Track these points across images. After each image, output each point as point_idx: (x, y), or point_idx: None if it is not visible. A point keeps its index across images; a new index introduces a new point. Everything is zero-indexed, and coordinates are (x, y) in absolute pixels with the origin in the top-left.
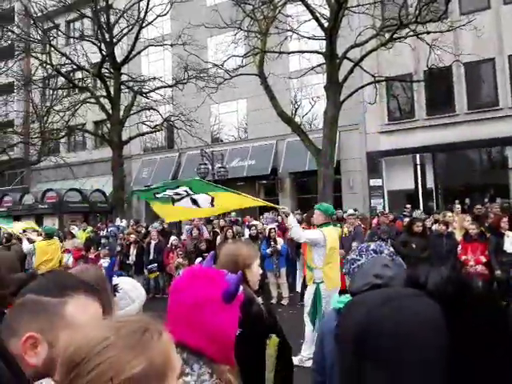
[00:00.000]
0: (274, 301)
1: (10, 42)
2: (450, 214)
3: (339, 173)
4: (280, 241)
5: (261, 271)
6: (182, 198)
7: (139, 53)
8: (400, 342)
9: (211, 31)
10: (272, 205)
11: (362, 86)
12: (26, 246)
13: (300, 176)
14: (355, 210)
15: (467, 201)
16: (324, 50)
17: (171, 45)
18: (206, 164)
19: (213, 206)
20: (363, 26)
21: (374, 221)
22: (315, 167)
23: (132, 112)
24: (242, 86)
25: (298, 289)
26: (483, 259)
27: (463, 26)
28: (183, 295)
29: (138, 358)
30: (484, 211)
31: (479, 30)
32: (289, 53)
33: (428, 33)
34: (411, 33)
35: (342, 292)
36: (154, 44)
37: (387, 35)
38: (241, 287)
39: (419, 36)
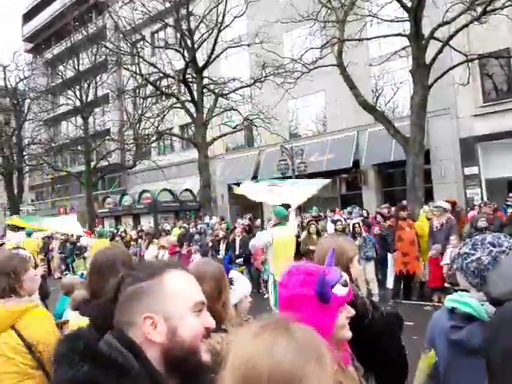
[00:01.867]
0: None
1: (104, 56)
2: None
3: (429, 162)
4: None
5: (361, 267)
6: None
7: (218, 55)
8: None
9: (287, 26)
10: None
11: (453, 67)
12: (85, 241)
13: (384, 167)
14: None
15: None
16: (408, 32)
17: (248, 44)
18: (285, 160)
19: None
20: (450, 1)
21: (471, 213)
22: (401, 157)
23: (214, 114)
24: (319, 78)
25: (389, 285)
26: None
27: None
28: (282, 291)
29: (311, 364)
30: None
31: None
32: (369, 39)
33: None
34: (509, 2)
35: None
36: (232, 45)
37: (479, 9)
38: (345, 286)
39: None
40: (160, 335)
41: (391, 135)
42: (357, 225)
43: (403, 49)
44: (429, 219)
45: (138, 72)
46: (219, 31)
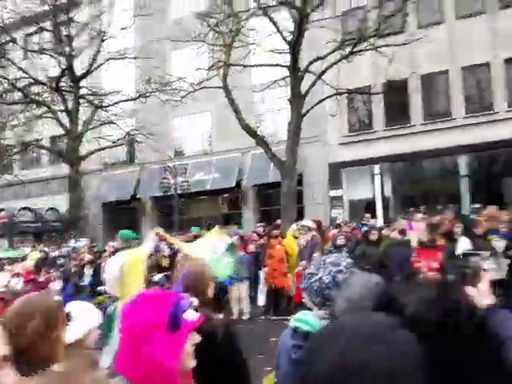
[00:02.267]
0: (235, 317)
1: None
2: (403, 221)
3: (301, 184)
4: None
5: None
6: None
7: (100, 66)
8: None
9: (175, 44)
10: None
11: (324, 99)
12: None
13: (263, 188)
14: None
15: (422, 208)
16: (288, 64)
17: (134, 58)
18: (168, 178)
19: None
20: (325, 39)
21: (332, 232)
22: (278, 179)
23: (91, 126)
24: (206, 99)
25: (260, 302)
26: (435, 265)
27: (419, 39)
28: (124, 321)
29: None
30: (438, 219)
31: (434, 43)
32: (253, 66)
33: (387, 46)
34: (370, 46)
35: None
36: (115, 57)
37: (348, 49)
38: (192, 311)
39: (378, 49)
40: None
41: (269, 158)
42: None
43: (283, 79)
44: (296, 237)
45: (4, 76)
46: (102, 41)
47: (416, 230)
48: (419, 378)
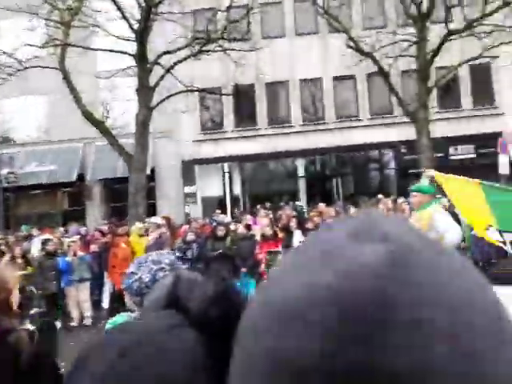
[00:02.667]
0: (75, 323)
1: None
2: (249, 216)
3: (154, 180)
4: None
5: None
6: None
7: None
8: None
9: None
10: None
11: (173, 94)
12: None
13: (111, 183)
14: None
15: (268, 205)
16: (135, 53)
17: None
18: None
19: None
20: (176, 34)
21: (183, 228)
22: (127, 173)
23: None
24: (41, 80)
25: (106, 305)
26: None
27: (262, 48)
28: None
29: None
30: (278, 214)
31: (275, 54)
32: (95, 49)
33: (232, 50)
34: (219, 48)
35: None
36: None
37: (197, 47)
38: None
39: (226, 52)
40: None
41: (115, 150)
42: (72, 243)
43: (130, 68)
44: (142, 235)
45: None
46: None
47: (260, 224)
48: (197, 381)
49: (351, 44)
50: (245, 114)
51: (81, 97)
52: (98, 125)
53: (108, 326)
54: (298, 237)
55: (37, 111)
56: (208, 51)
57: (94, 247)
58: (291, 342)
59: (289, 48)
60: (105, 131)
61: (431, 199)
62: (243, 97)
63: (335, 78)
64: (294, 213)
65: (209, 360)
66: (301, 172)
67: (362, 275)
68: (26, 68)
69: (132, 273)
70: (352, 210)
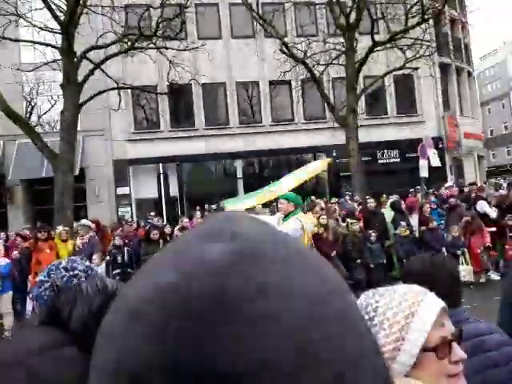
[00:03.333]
0: None
1: None
2: (186, 219)
3: (84, 181)
4: (3, 261)
5: None
6: None
7: None
8: None
9: None
10: None
11: (104, 91)
12: None
13: (36, 184)
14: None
15: (206, 207)
16: (60, 45)
17: None
18: None
19: None
20: (106, 28)
21: (117, 232)
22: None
23: None
24: None
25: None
26: None
27: (197, 48)
28: None
29: None
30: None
31: (212, 56)
32: (15, 40)
33: (166, 48)
34: (152, 45)
35: None
36: None
37: (130, 43)
38: None
39: (159, 50)
40: None
41: (38, 149)
42: None
43: (54, 61)
44: (64, 240)
45: None
46: None
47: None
48: None
49: (285, 50)
50: (182, 114)
51: (1, 91)
52: (18, 121)
53: None
54: None
55: None
56: (141, 48)
57: (15, 254)
58: (130, 343)
59: (226, 50)
60: (25, 127)
61: (296, 208)
62: (180, 96)
63: (271, 83)
64: None
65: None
66: (239, 173)
67: (202, 273)
68: None
69: (42, 281)
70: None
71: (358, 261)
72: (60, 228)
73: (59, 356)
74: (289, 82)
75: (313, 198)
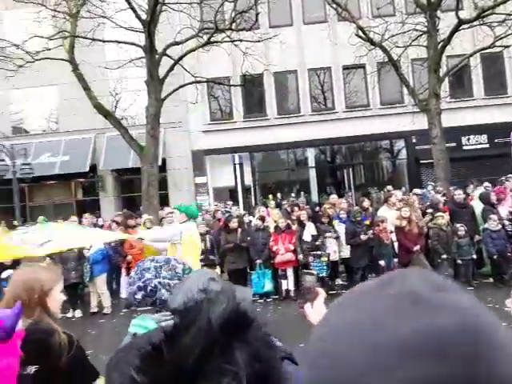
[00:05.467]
0: (94, 310)
1: None
2: (263, 208)
3: (165, 171)
4: (97, 245)
5: (62, 297)
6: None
7: None
8: None
9: (6, 3)
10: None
11: (183, 85)
12: None
13: (124, 173)
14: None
15: (279, 196)
16: (143, 44)
17: None
18: (3, 160)
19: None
20: (183, 24)
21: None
22: (139, 164)
23: None
24: (52, 71)
25: (123, 295)
26: (291, 247)
27: (270, 38)
28: None
29: None
30: (291, 206)
31: (284, 44)
32: (103, 41)
33: (241, 40)
34: (227, 38)
35: None
36: None
37: (205, 37)
38: (19, 323)
39: (234, 42)
40: None
41: (126, 142)
42: None
43: (138, 59)
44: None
45: None
46: None
47: (273, 216)
48: None
49: (361, 34)
50: (254, 104)
51: (90, 87)
52: (108, 116)
53: (132, 328)
54: (310, 229)
55: (47, 102)
56: (216, 42)
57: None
58: (431, 371)
59: (297, 37)
60: (115, 122)
61: (189, 219)
62: (252, 87)
63: (345, 68)
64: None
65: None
66: (311, 162)
67: (463, 314)
68: (35, 60)
69: (144, 272)
70: (366, 202)
71: (444, 256)
72: (145, 216)
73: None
74: (363, 66)
75: (389, 187)
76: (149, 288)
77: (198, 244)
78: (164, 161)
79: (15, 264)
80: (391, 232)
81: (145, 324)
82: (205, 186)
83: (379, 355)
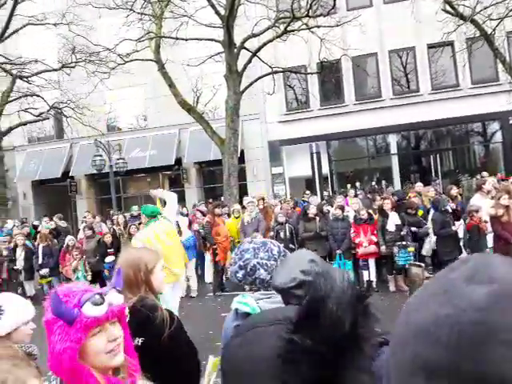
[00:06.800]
0: (183, 294)
1: None
2: (340, 198)
3: (243, 161)
4: (188, 233)
5: (164, 274)
6: None
7: (16, 31)
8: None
9: (100, 11)
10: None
11: (260, 77)
12: None
13: (206, 165)
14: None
15: (358, 185)
16: (222, 39)
17: (54, 24)
18: (101, 156)
19: None
20: (259, 16)
21: (276, 209)
22: (219, 156)
23: (11, 98)
24: (139, 71)
25: (207, 280)
26: (374, 239)
27: (349, 21)
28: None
29: None
30: (372, 195)
31: (363, 26)
32: (185, 39)
33: (318, 27)
34: (304, 26)
35: None
36: (33, 22)
37: (282, 27)
38: (98, 304)
39: (311, 29)
40: None
41: (209, 136)
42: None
43: (218, 54)
44: (237, 217)
45: None
46: (16, 2)
47: (352, 205)
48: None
49: (448, 8)
50: (331, 91)
51: (175, 85)
52: (192, 112)
53: (235, 304)
54: (394, 219)
55: (136, 101)
56: (293, 31)
57: (196, 226)
58: (426, 352)
59: (377, 18)
60: (198, 117)
61: (150, 220)
62: (329, 74)
63: (430, 46)
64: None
65: (301, 359)
66: (393, 149)
67: (470, 309)
68: (126, 62)
69: (245, 252)
70: (454, 190)
71: None
72: (236, 206)
73: (273, 330)
74: (451, 44)
75: (484, 173)
76: (248, 267)
77: (166, 242)
78: (242, 152)
79: (117, 251)
80: (486, 222)
81: (245, 301)
82: (281, 176)
83: (406, 332)
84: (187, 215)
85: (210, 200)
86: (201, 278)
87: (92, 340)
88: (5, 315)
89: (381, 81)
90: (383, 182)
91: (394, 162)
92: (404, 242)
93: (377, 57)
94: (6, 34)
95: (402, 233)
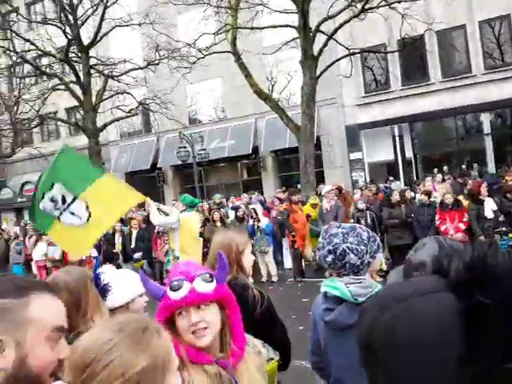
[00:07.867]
0: (264, 279)
1: None
2: (429, 183)
3: (320, 148)
4: (265, 220)
5: (253, 257)
6: (61, 210)
7: (106, 34)
8: (399, 357)
9: (179, 8)
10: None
11: (337, 60)
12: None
13: (281, 154)
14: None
15: (445, 169)
16: (297, 24)
17: (139, 24)
18: (185, 147)
19: (89, 217)
20: None
21: (355, 196)
22: (295, 144)
23: (105, 97)
24: (216, 64)
25: (286, 265)
26: (462, 227)
27: None
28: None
29: (142, 354)
30: (462, 179)
31: None
32: (261, 28)
33: (399, 1)
34: (383, 2)
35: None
36: (120, 24)
37: (359, 6)
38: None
39: (391, 5)
40: (5, 361)
41: (284, 123)
42: (252, 211)
43: (293, 40)
44: (314, 206)
45: (11, 48)
46: (105, 7)
47: (439, 191)
48: (445, 343)
49: None
50: (413, 70)
51: (251, 75)
52: (268, 100)
53: (323, 287)
54: (490, 205)
55: (214, 93)
56: (371, 8)
57: (274, 213)
58: None
59: None
60: (274, 105)
61: (186, 208)
62: (411, 51)
63: None
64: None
65: (460, 324)
66: (486, 129)
67: None
68: (205, 56)
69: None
70: None
71: None
72: (311, 200)
73: (438, 298)
74: None
75: None
76: (338, 252)
77: (194, 233)
78: (318, 138)
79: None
80: None
81: (333, 285)
82: (360, 162)
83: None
84: (265, 202)
85: (282, 189)
86: (279, 264)
87: (178, 318)
88: (114, 290)
89: (470, 55)
90: (475, 166)
91: (488, 143)
92: (504, 228)
93: (465, 29)
94: (98, 38)
95: (500, 219)
